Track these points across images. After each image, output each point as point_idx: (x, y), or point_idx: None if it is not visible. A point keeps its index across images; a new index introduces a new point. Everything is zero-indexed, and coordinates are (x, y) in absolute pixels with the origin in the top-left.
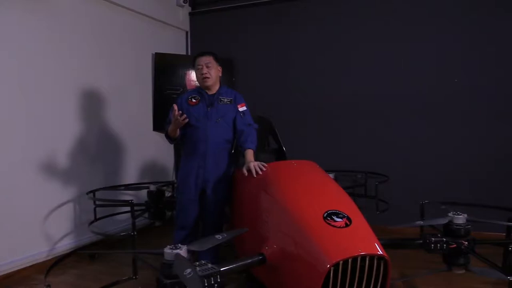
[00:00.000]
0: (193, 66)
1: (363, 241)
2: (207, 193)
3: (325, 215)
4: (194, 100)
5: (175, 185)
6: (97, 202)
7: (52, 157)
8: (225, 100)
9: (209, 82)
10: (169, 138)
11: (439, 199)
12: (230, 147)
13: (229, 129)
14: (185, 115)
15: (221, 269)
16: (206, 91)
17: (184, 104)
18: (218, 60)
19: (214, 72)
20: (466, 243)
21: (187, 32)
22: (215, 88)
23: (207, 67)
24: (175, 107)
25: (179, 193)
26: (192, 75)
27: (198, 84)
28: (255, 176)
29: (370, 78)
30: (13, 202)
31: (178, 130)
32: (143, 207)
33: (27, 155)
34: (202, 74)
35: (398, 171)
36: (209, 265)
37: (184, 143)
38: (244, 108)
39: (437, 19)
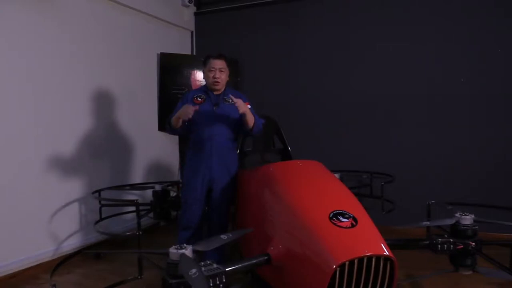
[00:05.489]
0: (203, 64)
1: (369, 241)
2: (214, 193)
3: (331, 215)
4: (199, 99)
5: (180, 184)
6: (103, 202)
7: (57, 157)
8: (230, 100)
9: (219, 87)
10: (170, 126)
11: (445, 200)
12: (235, 146)
13: (233, 129)
14: (196, 107)
15: (227, 269)
16: (213, 91)
17: (190, 103)
18: (229, 64)
19: (224, 77)
20: (473, 244)
21: (192, 32)
22: (221, 89)
23: (220, 71)
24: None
25: (184, 193)
26: (197, 75)
27: (203, 84)
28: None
29: (375, 79)
30: (19, 201)
31: (181, 121)
32: (148, 207)
33: (33, 155)
34: (215, 78)
35: (404, 171)
36: (214, 265)
37: (189, 140)
38: (249, 106)
39: (442, 19)
